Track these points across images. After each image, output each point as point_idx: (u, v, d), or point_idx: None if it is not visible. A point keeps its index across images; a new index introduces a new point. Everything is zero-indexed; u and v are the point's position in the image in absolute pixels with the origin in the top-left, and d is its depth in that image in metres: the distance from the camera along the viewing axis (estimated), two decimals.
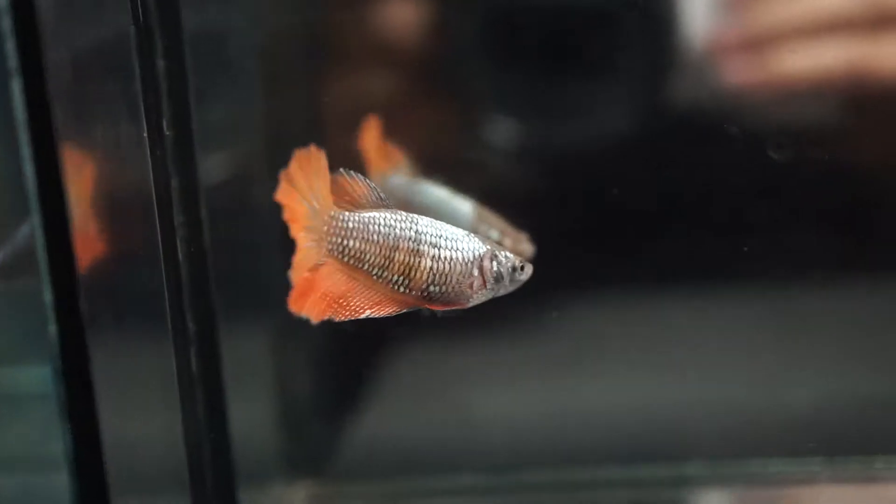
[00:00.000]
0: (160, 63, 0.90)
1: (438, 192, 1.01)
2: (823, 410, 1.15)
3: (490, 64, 1.09)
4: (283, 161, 0.79)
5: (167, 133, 0.91)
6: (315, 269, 0.80)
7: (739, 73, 1.08)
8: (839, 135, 1.10)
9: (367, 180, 0.82)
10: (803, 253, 1.12)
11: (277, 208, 0.79)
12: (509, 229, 1.02)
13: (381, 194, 0.82)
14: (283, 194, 0.80)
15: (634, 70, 1.09)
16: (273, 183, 0.79)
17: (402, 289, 0.82)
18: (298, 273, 0.80)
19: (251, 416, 1.10)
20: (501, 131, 1.13)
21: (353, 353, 1.17)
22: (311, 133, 1.15)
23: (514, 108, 1.12)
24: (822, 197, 1.11)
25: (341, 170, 0.81)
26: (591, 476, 1.16)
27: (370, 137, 1.01)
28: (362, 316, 0.81)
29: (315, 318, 0.80)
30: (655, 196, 1.12)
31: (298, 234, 0.80)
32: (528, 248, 1.01)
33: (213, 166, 1.01)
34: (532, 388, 1.19)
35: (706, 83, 1.10)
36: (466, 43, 1.10)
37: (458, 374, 1.18)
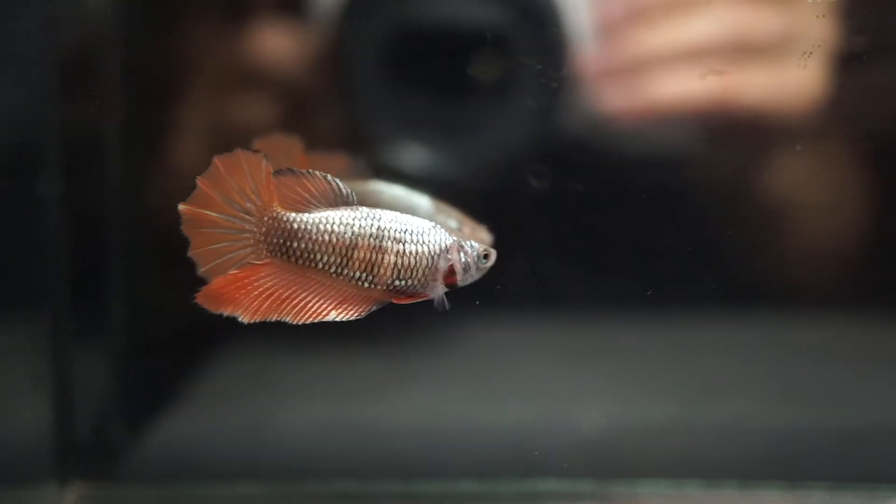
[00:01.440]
0: None
1: (394, 190, 0.97)
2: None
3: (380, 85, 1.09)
4: None
5: None
6: (252, 268, 0.77)
7: (616, 99, 1.11)
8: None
9: (329, 177, 0.79)
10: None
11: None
12: (466, 219, 0.98)
13: (345, 190, 0.79)
14: (198, 201, 0.76)
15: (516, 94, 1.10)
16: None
17: (366, 284, 0.79)
18: (218, 272, 0.77)
19: (14, 416, 1.06)
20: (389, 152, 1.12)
21: (133, 355, 1.13)
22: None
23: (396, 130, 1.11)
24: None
25: (292, 169, 0.78)
26: (381, 489, 1.14)
27: (296, 155, 0.96)
28: (328, 318, 0.78)
29: (250, 317, 0.77)
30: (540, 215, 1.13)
31: (221, 239, 0.77)
32: (486, 236, 0.98)
33: None
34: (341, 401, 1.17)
35: (585, 107, 1.11)
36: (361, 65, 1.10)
37: (261, 382, 1.16)
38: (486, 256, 0.84)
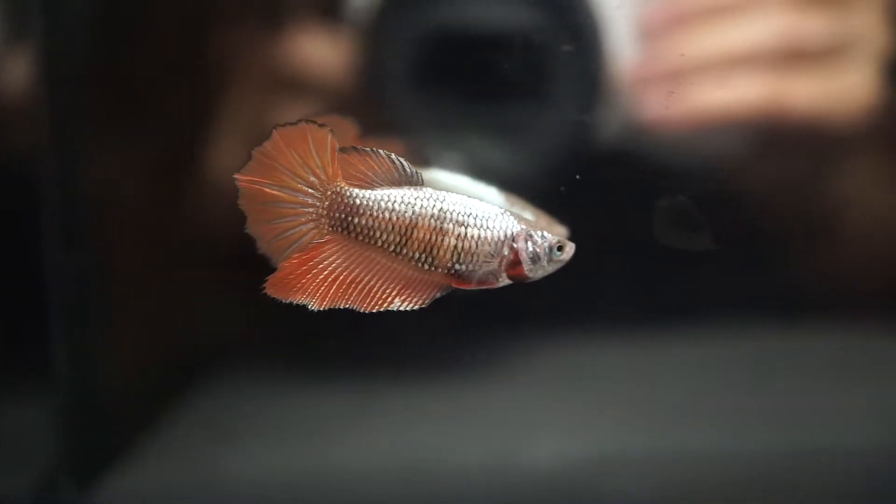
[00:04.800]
0: None
1: (457, 180, 0.94)
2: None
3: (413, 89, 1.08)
4: None
5: None
6: (315, 248, 0.76)
7: (658, 107, 1.07)
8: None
9: (393, 156, 0.77)
10: None
11: None
12: (541, 213, 0.95)
13: (409, 170, 0.77)
14: (255, 172, 0.75)
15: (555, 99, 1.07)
16: None
17: (426, 266, 0.77)
18: (281, 254, 0.76)
19: None
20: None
21: None
22: None
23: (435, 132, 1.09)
24: None
25: (356, 147, 0.77)
26: None
27: (350, 138, 0.95)
28: (392, 307, 0.76)
29: (319, 304, 0.76)
30: None
31: (283, 213, 0.76)
32: (562, 231, 0.93)
33: None
34: None
35: (625, 115, 1.08)
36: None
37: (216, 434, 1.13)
38: (560, 248, 0.80)
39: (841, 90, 1.03)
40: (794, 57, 1.04)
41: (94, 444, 1.08)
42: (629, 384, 1.14)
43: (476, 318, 1.01)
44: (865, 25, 1.02)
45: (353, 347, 1.06)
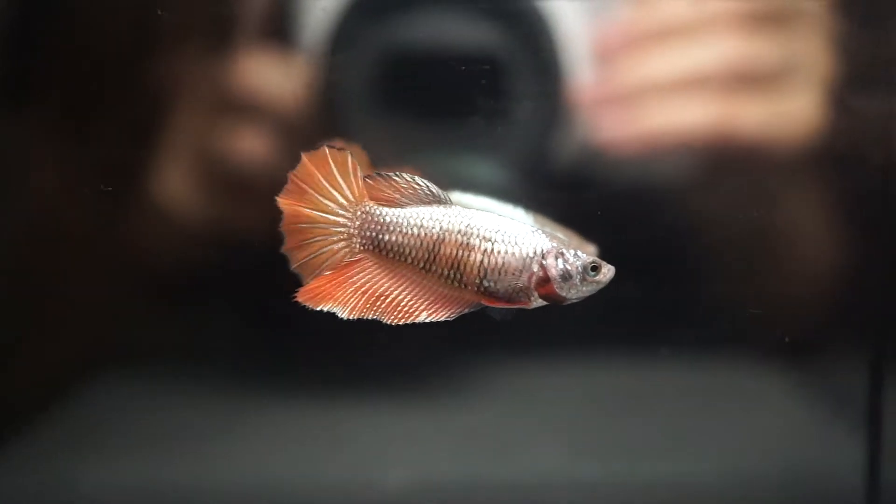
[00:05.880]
0: None
1: (480, 202, 0.95)
2: None
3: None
4: None
5: None
6: (347, 265, 0.78)
7: (612, 128, 1.07)
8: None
9: (418, 178, 0.79)
10: None
11: None
12: (572, 235, 0.95)
13: (435, 190, 0.79)
14: (292, 195, 0.78)
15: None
16: None
17: (455, 283, 0.78)
18: (313, 273, 0.78)
19: None
20: None
21: None
22: None
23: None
24: None
25: (380, 173, 0.79)
26: None
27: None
28: (418, 319, 0.78)
29: (348, 313, 0.77)
30: None
31: (316, 234, 0.78)
32: (592, 250, 0.94)
33: None
34: None
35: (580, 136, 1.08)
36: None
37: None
38: (594, 268, 0.78)
39: (787, 114, 1.05)
40: (742, 80, 1.05)
41: None
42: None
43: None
44: (810, 50, 1.03)
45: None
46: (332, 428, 1.12)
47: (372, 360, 1.09)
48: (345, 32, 1.05)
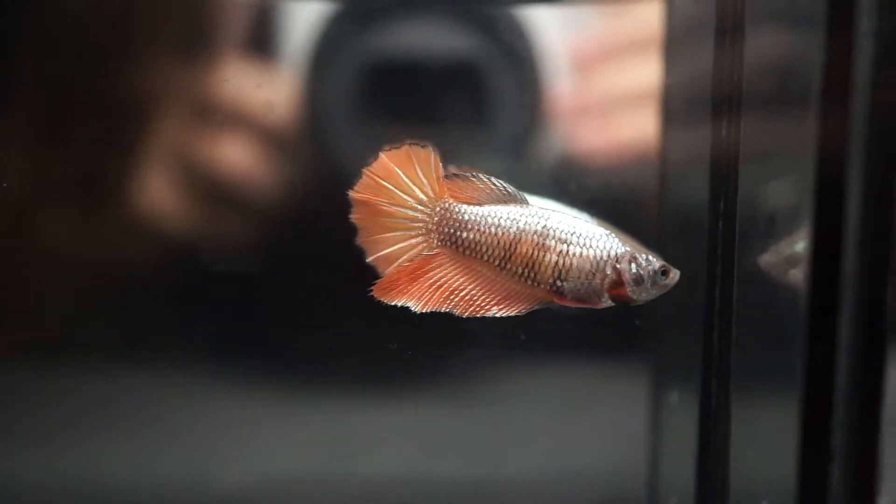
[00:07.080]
0: None
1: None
2: None
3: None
4: None
5: None
6: (424, 258, 0.80)
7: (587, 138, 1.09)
8: None
9: (494, 179, 0.81)
10: None
11: None
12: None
13: (512, 190, 0.81)
14: (367, 189, 0.80)
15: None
16: None
17: (529, 281, 0.79)
18: (389, 266, 0.80)
19: None
20: None
21: None
22: None
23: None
24: None
25: (458, 174, 0.81)
26: None
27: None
28: (489, 313, 0.79)
29: (421, 307, 0.79)
30: None
31: (395, 228, 0.80)
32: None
33: None
34: None
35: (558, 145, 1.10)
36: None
37: None
38: (664, 273, 0.81)
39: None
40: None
41: None
42: None
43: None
44: None
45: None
46: (329, 427, 1.14)
47: (372, 359, 1.10)
48: (326, 41, 1.07)
